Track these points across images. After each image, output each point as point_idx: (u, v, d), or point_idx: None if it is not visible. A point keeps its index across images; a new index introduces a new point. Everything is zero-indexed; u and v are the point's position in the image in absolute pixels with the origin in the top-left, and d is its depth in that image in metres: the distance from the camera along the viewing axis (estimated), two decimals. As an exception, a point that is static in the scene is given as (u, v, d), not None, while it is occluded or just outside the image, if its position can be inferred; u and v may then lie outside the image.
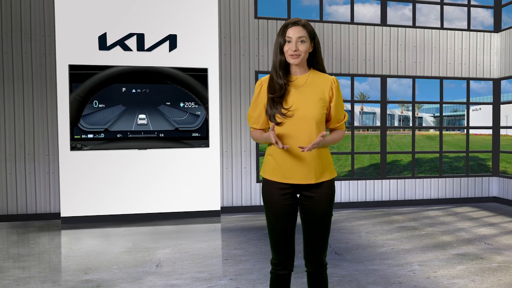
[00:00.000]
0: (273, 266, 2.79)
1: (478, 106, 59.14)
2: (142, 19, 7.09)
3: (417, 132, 63.47)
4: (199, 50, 7.26)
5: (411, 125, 9.65)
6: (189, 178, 7.27)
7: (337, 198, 8.22)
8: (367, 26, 8.43)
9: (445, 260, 4.98)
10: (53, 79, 7.22)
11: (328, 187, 2.70)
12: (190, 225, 6.86)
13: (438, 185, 8.71)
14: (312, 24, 7.95)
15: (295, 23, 2.68)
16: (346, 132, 2.87)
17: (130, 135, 7.03)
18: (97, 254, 5.27)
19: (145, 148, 7.10)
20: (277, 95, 2.67)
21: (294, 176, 2.66)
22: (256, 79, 7.87)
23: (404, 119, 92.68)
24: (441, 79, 8.79)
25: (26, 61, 7.18)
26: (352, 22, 8.38)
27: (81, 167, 6.94)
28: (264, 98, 2.74)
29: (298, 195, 2.74)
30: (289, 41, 2.67)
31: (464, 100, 9.21)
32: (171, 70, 7.13)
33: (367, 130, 62.37)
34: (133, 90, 7.03)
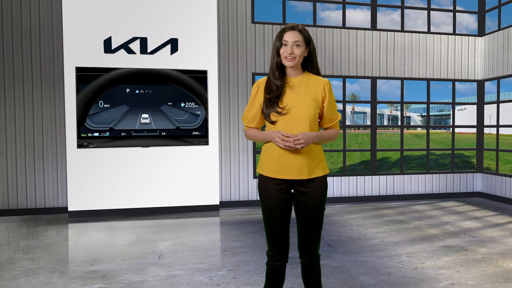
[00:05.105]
0: (269, 258, 2.79)
1: (463, 106, 59.23)
2: (145, 24, 7.07)
3: (405, 130, 63.62)
4: (199, 53, 7.25)
5: (399, 124, 9.64)
6: (189, 174, 7.26)
7: (330, 193, 8.22)
8: (358, 30, 8.42)
9: (432, 252, 4.98)
10: (61, 80, 7.20)
11: (320, 183, 2.70)
12: (190, 218, 6.85)
13: (425, 181, 8.72)
14: (306, 28, 7.94)
15: (292, 28, 2.69)
16: (339, 131, 2.87)
17: (134, 134, 7.01)
18: (103, 246, 5.26)
19: (148, 146, 7.08)
20: (274, 95, 2.67)
21: (288, 172, 2.66)
22: (253, 80, 7.86)
23: (393, 118, 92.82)
24: (428, 80, 8.79)
25: (36, 63, 7.15)
26: (344, 26, 8.37)
27: (87, 164, 6.92)
28: (260, 99, 2.74)
29: (292, 191, 2.74)
30: (285, 45, 2.67)
31: (450, 100, 9.21)
32: (173, 72, 7.11)
33: (358, 129, 62.37)
34: (137, 91, 7.01)
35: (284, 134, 2.59)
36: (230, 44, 7.78)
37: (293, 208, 2.78)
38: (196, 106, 7.20)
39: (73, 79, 6.83)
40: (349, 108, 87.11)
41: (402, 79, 8.64)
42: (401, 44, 8.58)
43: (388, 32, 8.55)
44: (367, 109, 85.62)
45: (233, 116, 7.80)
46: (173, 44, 7.15)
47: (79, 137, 6.84)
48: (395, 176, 8.62)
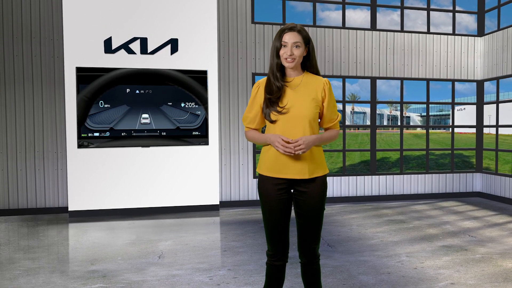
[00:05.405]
0: (268, 257, 2.79)
1: (462, 106, 59.19)
2: (145, 24, 7.07)
3: (405, 130, 63.59)
4: (199, 53, 7.25)
5: (399, 124, 9.63)
6: (189, 174, 7.26)
7: (329, 193, 8.22)
8: (358, 31, 8.42)
9: (431, 252, 4.98)
10: (61, 80, 7.20)
11: (320, 183, 2.70)
12: (190, 218, 6.85)
13: (424, 181, 8.72)
14: (305, 28, 7.94)
15: (291, 29, 2.68)
16: (339, 131, 2.87)
17: (134, 134, 7.01)
18: (103, 246, 5.26)
19: (148, 146, 7.08)
20: (275, 96, 2.67)
21: (289, 171, 2.66)
22: (253, 80, 7.86)
23: (393, 118, 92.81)
24: (428, 80, 8.79)
25: (36, 63, 7.15)
26: (343, 26, 8.37)
27: (88, 163, 6.92)
28: (260, 99, 2.74)
29: (292, 191, 2.74)
30: (284, 46, 2.66)
31: (449, 100, 9.22)
32: (173, 72, 7.11)
33: (358, 129, 62.38)
34: (137, 91, 7.01)
35: (284, 139, 2.59)
36: (230, 44, 7.78)
37: (293, 208, 2.78)
38: (196, 106, 7.20)
39: (74, 79, 6.83)
40: (348, 108, 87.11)
41: (402, 79, 8.64)
42: (401, 44, 8.58)
43: (388, 32, 8.55)
44: (367, 109, 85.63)
45: (233, 116, 7.80)
46: (173, 44, 7.15)
47: (79, 137, 6.84)
48: (394, 176, 8.62)
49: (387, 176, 8.59)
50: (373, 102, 8.65)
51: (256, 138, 2.79)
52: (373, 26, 8.53)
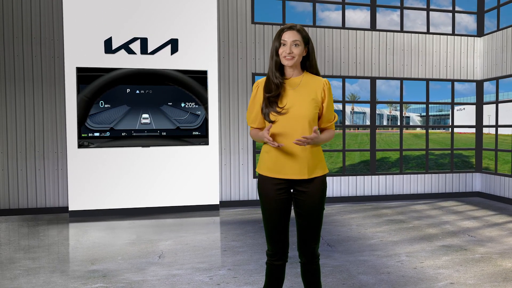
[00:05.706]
0: (268, 257, 2.79)
1: (462, 106, 59.20)
2: (145, 24, 7.07)
3: (404, 130, 63.57)
4: (199, 54, 7.25)
5: (399, 124, 9.64)
6: (189, 174, 7.26)
7: (329, 193, 8.22)
8: (358, 31, 8.42)
9: (431, 252, 4.98)
10: (62, 80, 7.20)
11: (320, 183, 2.70)
12: (190, 218, 6.85)
13: (424, 181, 8.72)
14: (305, 28, 7.93)
15: (291, 28, 2.69)
16: (336, 131, 2.87)
17: (134, 134, 7.01)
18: (103, 246, 5.26)
19: (148, 146, 7.08)
20: (273, 95, 2.67)
21: (288, 171, 2.66)
22: (253, 80, 7.86)
23: (392, 118, 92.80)
24: (427, 80, 8.79)
25: (36, 63, 7.15)
26: (343, 27, 8.37)
27: (88, 163, 6.92)
28: (260, 99, 2.74)
29: (292, 190, 2.74)
30: (284, 44, 2.67)
31: (449, 100, 9.22)
32: (173, 72, 7.11)
33: (358, 129, 62.37)
34: (137, 91, 7.01)
35: (268, 132, 2.60)
36: (230, 45, 7.78)
37: (292, 207, 2.78)
38: (196, 106, 7.20)
39: (74, 79, 6.83)
40: (348, 108, 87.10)
41: (402, 79, 8.64)
42: (401, 44, 8.58)
43: (388, 33, 8.55)
44: (367, 109, 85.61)
45: (233, 116, 7.80)
46: (173, 44, 7.15)
47: (79, 137, 6.84)
48: (394, 176, 8.62)
49: (387, 176, 8.59)
50: (373, 102, 8.65)
51: (256, 137, 2.80)
52: (373, 26, 8.53)
